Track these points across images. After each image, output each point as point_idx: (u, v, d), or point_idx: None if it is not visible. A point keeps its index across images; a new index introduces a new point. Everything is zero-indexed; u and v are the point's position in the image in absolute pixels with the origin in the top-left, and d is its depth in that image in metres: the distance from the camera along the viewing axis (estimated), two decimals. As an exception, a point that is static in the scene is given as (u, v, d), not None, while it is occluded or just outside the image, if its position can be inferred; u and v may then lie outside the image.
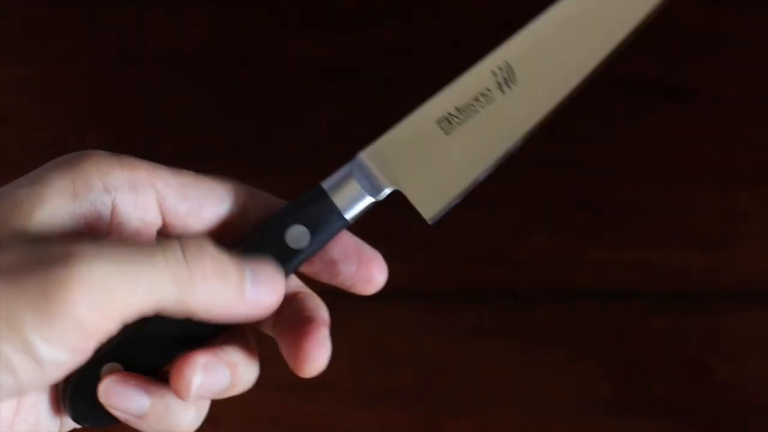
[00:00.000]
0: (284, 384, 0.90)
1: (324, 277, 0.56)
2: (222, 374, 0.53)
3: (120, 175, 0.53)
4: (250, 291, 0.51)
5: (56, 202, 0.51)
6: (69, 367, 0.50)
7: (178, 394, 0.52)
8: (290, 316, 0.54)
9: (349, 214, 0.55)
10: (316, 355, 0.54)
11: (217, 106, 1.02)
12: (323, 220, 0.54)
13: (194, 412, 0.54)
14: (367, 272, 0.54)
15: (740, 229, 0.97)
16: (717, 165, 0.99)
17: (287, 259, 0.54)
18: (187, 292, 0.49)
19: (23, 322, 0.47)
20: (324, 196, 0.54)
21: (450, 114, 0.54)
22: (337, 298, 0.93)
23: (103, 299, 0.48)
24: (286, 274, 0.54)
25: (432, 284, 0.94)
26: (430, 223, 0.55)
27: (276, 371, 0.91)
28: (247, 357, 0.54)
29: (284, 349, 0.55)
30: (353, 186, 0.54)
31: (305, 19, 1.06)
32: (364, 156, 0.55)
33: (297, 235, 0.54)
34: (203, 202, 0.55)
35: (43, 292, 0.47)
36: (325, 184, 0.55)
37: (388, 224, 0.97)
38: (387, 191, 0.55)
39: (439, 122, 0.54)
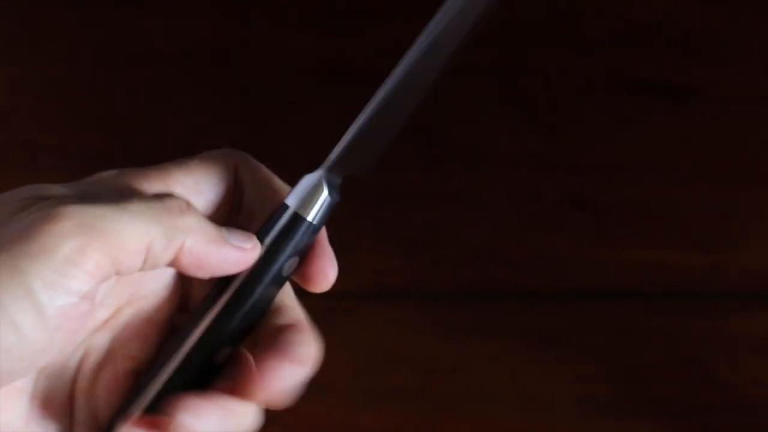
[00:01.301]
0: (284, 384, 0.90)
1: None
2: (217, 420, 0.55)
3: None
4: (228, 235, 0.54)
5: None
6: (72, 316, 0.50)
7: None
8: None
9: (322, 223, 0.57)
10: (326, 270, 0.57)
11: (217, 106, 1.02)
12: (306, 242, 0.57)
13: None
14: (320, 267, 0.57)
15: (740, 229, 0.97)
16: (717, 165, 0.99)
17: (280, 286, 0.57)
18: (172, 231, 0.51)
19: (20, 268, 0.48)
20: (302, 221, 0.56)
21: (387, 105, 0.60)
22: (337, 298, 0.93)
23: (93, 232, 0.49)
24: (275, 295, 0.57)
25: (432, 284, 0.94)
26: (366, 175, 0.58)
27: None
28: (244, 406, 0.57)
29: (299, 279, 0.57)
30: (324, 197, 0.57)
31: (305, 19, 1.06)
32: (327, 171, 0.58)
33: (290, 265, 0.56)
34: (214, 188, 0.57)
35: (31, 228, 0.49)
36: (296, 205, 0.57)
37: (389, 224, 0.97)
38: (338, 183, 0.58)
39: (382, 116, 0.59)
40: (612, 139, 1.00)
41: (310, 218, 0.57)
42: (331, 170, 0.58)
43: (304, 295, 0.95)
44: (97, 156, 1.00)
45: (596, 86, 1.03)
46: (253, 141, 1.00)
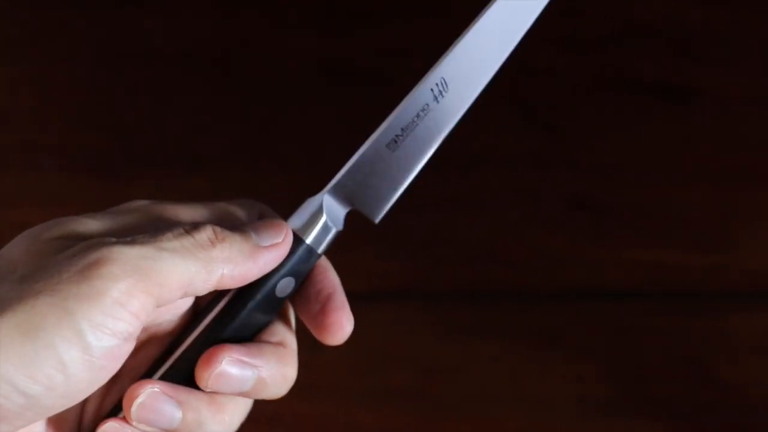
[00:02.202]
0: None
1: (297, 312, 0.59)
2: (247, 372, 0.55)
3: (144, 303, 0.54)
4: (259, 239, 0.55)
5: None
6: (116, 358, 0.51)
7: (199, 381, 0.54)
8: (309, 292, 0.58)
9: (323, 250, 0.58)
10: (342, 323, 0.58)
11: (217, 106, 1.02)
12: (305, 265, 0.57)
13: (227, 419, 0.56)
14: (337, 319, 0.58)
15: (740, 229, 0.97)
16: (717, 165, 0.99)
17: (276, 306, 0.58)
18: (209, 263, 0.53)
19: (69, 310, 0.50)
20: (301, 243, 0.57)
21: (397, 135, 0.59)
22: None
23: (139, 275, 0.51)
24: (272, 316, 0.58)
25: (432, 284, 0.94)
26: (377, 223, 0.59)
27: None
28: (278, 360, 0.57)
29: (309, 323, 0.58)
30: (324, 224, 0.58)
31: (305, 19, 1.06)
32: (329, 194, 0.58)
33: (284, 284, 0.57)
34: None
35: (83, 274, 0.50)
36: (296, 227, 0.58)
37: (389, 225, 0.97)
38: (345, 216, 0.59)
39: (388, 145, 0.59)
40: (612, 139, 1.00)
41: (308, 240, 0.57)
42: (335, 196, 0.58)
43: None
44: (96, 156, 1.00)
45: (596, 86, 1.03)
46: (253, 141, 1.01)
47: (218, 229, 0.55)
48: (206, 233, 0.54)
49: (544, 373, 0.91)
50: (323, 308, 0.57)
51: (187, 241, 0.53)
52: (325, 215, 0.58)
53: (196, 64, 1.04)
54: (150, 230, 0.54)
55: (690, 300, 0.94)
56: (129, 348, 0.52)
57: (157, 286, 0.52)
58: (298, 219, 0.58)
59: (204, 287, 0.54)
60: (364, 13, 1.06)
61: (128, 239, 0.53)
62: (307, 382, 0.91)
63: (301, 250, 0.57)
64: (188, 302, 0.57)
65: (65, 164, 1.00)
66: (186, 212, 0.57)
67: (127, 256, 0.51)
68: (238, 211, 0.58)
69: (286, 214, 0.60)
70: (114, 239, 0.52)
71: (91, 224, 0.54)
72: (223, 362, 0.54)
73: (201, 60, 1.04)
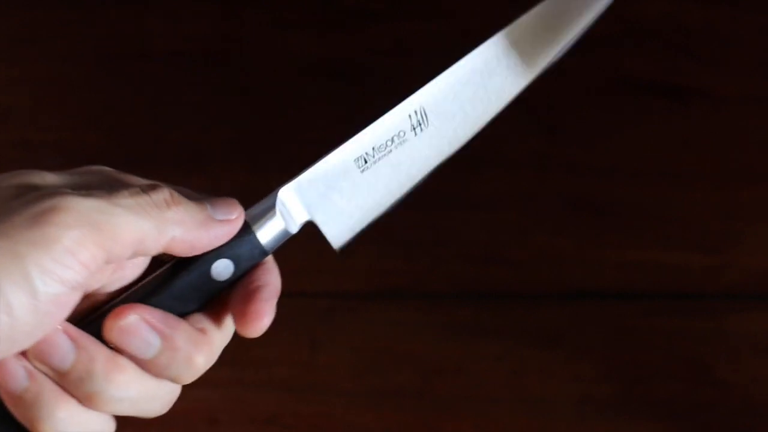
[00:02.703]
0: (284, 384, 0.91)
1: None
2: (152, 336, 0.55)
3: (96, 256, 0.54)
4: (213, 211, 0.56)
5: None
6: (62, 305, 0.52)
7: (104, 331, 0.54)
8: (244, 282, 0.58)
9: (269, 246, 0.58)
10: (262, 314, 0.56)
11: (217, 106, 1.02)
12: (247, 253, 0.57)
13: (121, 380, 0.55)
14: (257, 309, 0.57)
15: (740, 229, 0.97)
16: (717, 165, 0.99)
17: (210, 289, 0.57)
18: (162, 224, 0.54)
19: (20, 253, 0.50)
20: (248, 230, 0.57)
21: (367, 153, 0.59)
22: (337, 298, 0.94)
23: (91, 227, 0.52)
24: (207, 301, 0.57)
25: (432, 284, 0.94)
26: (337, 252, 0.59)
27: (276, 372, 0.91)
28: (190, 340, 0.56)
29: (233, 310, 0.57)
30: (276, 220, 0.58)
31: (305, 18, 1.06)
32: (285, 191, 0.58)
33: (221, 268, 0.57)
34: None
35: (36, 219, 0.51)
36: (248, 217, 0.58)
37: (389, 225, 0.97)
38: (302, 223, 0.59)
39: (356, 161, 0.59)
40: (612, 139, 1.00)
41: (255, 230, 0.57)
42: (294, 195, 0.58)
43: (304, 295, 0.95)
44: (96, 155, 1.00)
45: (596, 86, 1.03)
46: (253, 141, 1.01)
47: (175, 192, 0.55)
48: (162, 194, 0.54)
49: (545, 373, 0.91)
50: (250, 296, 0.56)
51: (142, 200, 0.54)
52: (278, 211, 0.58)
53: (196, 64, 1.04)
54: (108, 189, 0.55)
55: (690, 300, 0.94)
56: (76, 297, 0.52)
57: (109, 239, 0.52)
58: (251, 209, 0.58)
59: (154, 246, 0.54)
60: (364, 13, 1.06)
61: (84, 192, 0.53)
62: (307, 382, 0.92)
63: (245, 236, 0.57)
64: (146, 260, 0.57)
65: (65, 164, 0.99)
66: (146, 181, 0.57)
67: (81, 206, 0.52)
68: (199, 197, 0.58)
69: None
70: (70, 190, 0.53)
71: (49, 178, 0.55)
72: (131, 317, 0.54)
73: (201, 60, 1.04)
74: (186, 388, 0.93)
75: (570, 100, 1.02)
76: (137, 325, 0.54)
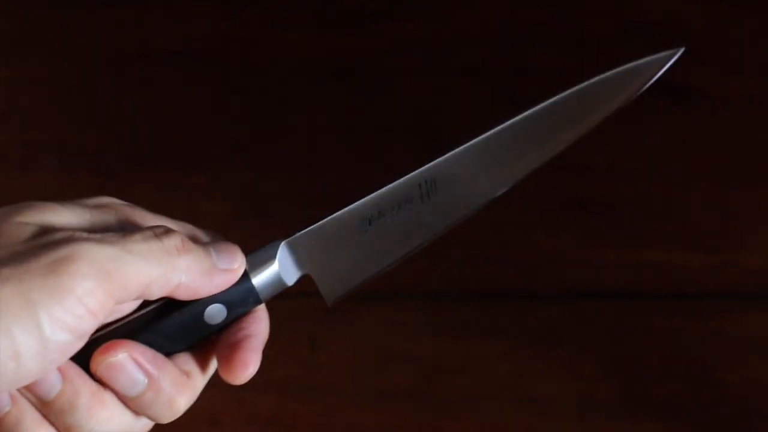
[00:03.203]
0: (284, 385, 0.90)
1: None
2: (139, 376, 0.56)
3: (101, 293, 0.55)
4: (218, 260, 0.56)
5: None
6: (67, 353, 0.52)
7: (92, 364, 0.55)
8: (233, 328, 0.58)
9: (264, 295, 0.58)
10: (248, 364, 0.57)
11: (217, 106, 1.02)
12: (241, 300, 0.58)
13: (103, 416, 0.55)
14: (243, 358, 0.58)
15: (740, 229, 0.97)
16: (717, 165, 0.99)
17: (201, 332, 0.58)
18: (169, 270, 0.54)
19: (33, 301, 0.51)
20: (246, 278, 0.58)
21: (372, 216, 0.59)
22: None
23: (104, 275, 0.52)
24: (196, 343, 0.58)
25: (432, 284, 0.94)
26: (330, 306, 0.60)
27: (276, 372, 0.91)
28: (175, 383, 0.57)
29: (218, 353, 0.58)
30: (274, 270, 0.58)
31: (305, 18, 1.06)
32: (287, 244, 0.59)
33: (215, 312, 0.57)
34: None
35: (51, 268, 0.51)
36: (247, 264, 0.58)
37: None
38: (299, 276, 0.59)
39: (360, 222, 0.59)
40: (612, 139, 1.00)
41: (253, 280, 0.58)
42: (293, 251, 0.59)
43: (304, 295, 0.95)
44: (96, 155, 1.00)
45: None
46: (253, 141, 1.01)
47: (185, 238, 0.55)
48: (174, 240, 0.55)
49: (545, 373, 0.91)
50: (237, 344, 0.57)
51: (155, 245, 0.54)
52: (278, 265, 0.58)
53: (196, 64, 1.04)
54: (119, 229, 0.55)
55: (691, 300, 0.94)
56: (81, 345, 0.53)
57: (119, 288, 0.53)
58: (252, 258, 0.58)
59: (159, 292, 0.55)
60: (364, 13, 1.06)
61: (98, 236, 0.53)
62: (307, 382, 0.92)
63: (242, 284, 0.57)
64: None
65: (65, 164, 1.00)
66: (155, 220, 0.57)
67: (95, 255, 0.52)
68: (201, 234, 0.59)
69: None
70: (85, 235, 0.53)
71: (65, 216, 0.55)
72: (121, 355, 0.55)
73: (201, 60, 1.04)
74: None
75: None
76: (125, 363, 0.55)
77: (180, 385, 0.56)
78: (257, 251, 0.58)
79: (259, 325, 0.58)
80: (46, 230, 0.53)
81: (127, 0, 1.06)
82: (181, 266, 0.54)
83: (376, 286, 0.94)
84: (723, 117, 1.01)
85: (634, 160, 0.99)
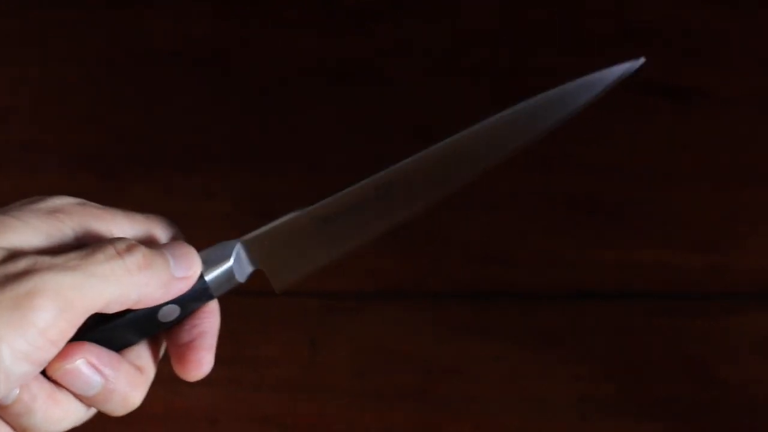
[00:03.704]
0: (283, 384, 0.90)
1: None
2: (96, 378, 0.57)
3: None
4: (175, 269, 0.57)
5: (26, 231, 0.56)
6: (28, 378, 0.54)
7: (49, 369, 0.56)
8: (185, 324, 0.59)
9: (217, 293, 0.59)
10: (203, 363, 0.59)
11: (217, 106, 1.02)
12: (194, 298, 0.58)
13: (57, 415, 0.57)
14: (198, 357, 0.59)
15: (740, 229, 0.97)
16: (717, 165, 0.99)
17: (154, 329, 0.58)
18: (129, 288, 0.55)
19: None
20: (200, 279, 0.58)
21: (328, 216, 0.61)
22: (337, 298, 0.93)
23: (66, 305, 0.53)
24: (146, 336, 0.59)
25: (432, 284, 0.94)
26: (278, 293, 0.61)
27: (276, 372, 0.91)
28: (129, 382, 0.58)
29: (173, 351, 0.59)
30: (228, 269, 0.59)
31: (305, 18, 1.06)
32: (242, 244, 0.60)
33: (168, 311, 0.58)
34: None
35: (15, 302, 0.52)
36: (202, 262, 0.59)
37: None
38: (250, 272, 0.60)
39: (317, 222, 0.61)
40: (612, 139, 1.00)
41: (208, 279, 0.58)
42: (248, 250, 0.60)
43: (304, 295, 0.95)
44: (96, 155, 1.00)
45: (596, 86, 1.03)
46: (253, 141, 1.01)
47: (147, 252, 0.56)
48: (135, 257, 0.55)
49: (545, 373, 0.91)
50: (192, 343, 0.58)
51: (117, 266, 0.55)
52: (233, 264, 0.59)
53: (196, 64, 1.04)
54: (76, 241, 0.56)
55: (690, 300, 0.94)
56: (39, 369, 0.54)
57: (81, 314, 0.54)
58: (207, 256, 0.59)
59: (116, 308, 0.55)
60: (364, 13, 1.06)
61: (60, 261, 0.54)
62: (307, 382, 0.91)
63: (197, 286, 0.58)
64: None
65: (65, 164, 1.00)
66: (113, 223, 0.58)
67: (59, 286, 0.53)
68: (158, 230, 0.59)
69: (285, 213, 0.61)
70: (47, 262, 0.54)
71: (22, 232, 0.56)
72: (78, 361, 0.55)
73: (201, 60, 1.04)
74: (186, 388, 0.93)
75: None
76: (82, 367, 0.56)
77: (134, 381, 0.57)
78: (212, 249, 0.59)
79: (211, 320, 0.59)
80: (7, 257, 0.54)
81: (127, 0, 1.06)
82: (141, 282, 0.55)
83: (376, 286, 0.94)
84: (723, 117, 1.01)
85: (634, 160, 0.99)
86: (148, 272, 0.55)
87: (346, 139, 1.00)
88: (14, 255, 0.54)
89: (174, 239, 0.60)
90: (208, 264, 0.58)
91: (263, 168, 0.99)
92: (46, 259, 0.54)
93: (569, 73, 1.04)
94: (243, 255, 0.59)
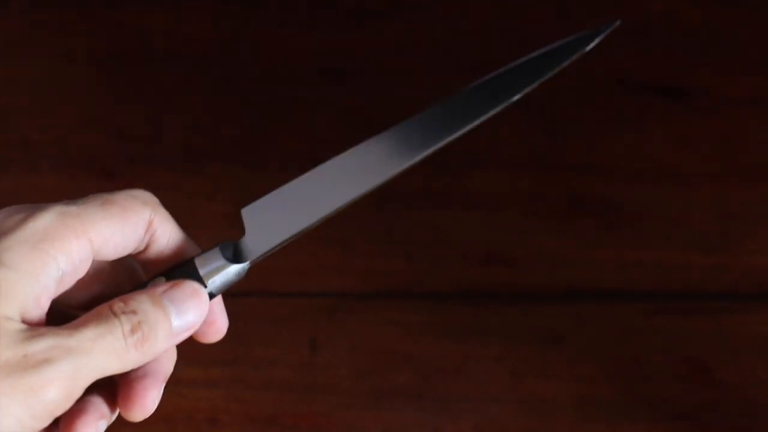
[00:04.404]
0: (284, 384, 0.90)
1: None
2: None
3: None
4: (177, 323, 0.58)
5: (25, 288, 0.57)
6: None
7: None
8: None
9: (217, 291, 0.60)
10: (145, 403, 0.60)
11: (217, 106, 1.02)
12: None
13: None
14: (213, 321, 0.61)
15: (740, 229, 0.97)
16: (717, 165, 0.99)
17: None
18: (130, 363, 0.57)
19: (8, 409, 0.54)
20: (195, 273, 0.59)
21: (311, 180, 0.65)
22: (337, 298, 0.93)
23: (75, 388, 0.55)
24: None
25: (432, 284, 0.94)
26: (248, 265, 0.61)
27: (276, 372, 0.91)
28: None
29: (120, 392, 0.60)
30: (224, 266, 0.60)
31: (305, 18, 1.06)
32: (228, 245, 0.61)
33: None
34: (129, 239, 0.60)
35: (31, 391, 0.54)
36: (199, 262, 0.60)
37: (389, 225, 0.97)
38: (246, 266, 0.61)
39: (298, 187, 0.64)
40: (612, 139, 1.00)
41: (207, 282, 0.59)
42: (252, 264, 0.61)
43: (304, 295, 0.95)
44: (96, 156, 1.00)
45: (596, 86, 1.03)
46: (253, 141, 1.00)
47: (145, 326, 0.57)
48: (133, 338, 0.56)
49: (545, 374, 0.91)
50: (137, 380, 0.59)
51: (117, 343, 0.56)
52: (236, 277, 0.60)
53: (196, 64, 1.04)
54: (66, 272, 0.57)
55: (690, 300, 0.94)
56: None
57: (83, 389, 0.55)
58: (206, 257, 0.60)
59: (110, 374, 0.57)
60: (364, 13, 1.06)
61: (75, 345, 0.55)
62: (307, 382, 0.91)
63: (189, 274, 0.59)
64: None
65: (65, 164, 0.99)
66: (93, 231, 0.58)
67: (75, 373, 0.55)
68: (134, 217, 0.60)
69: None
70: (65, 346, 0.55)
71: (19, 285, 0.56)
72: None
73: (201, 60, 1.04)
74: (187, 389, 0.93)
75: (570, 99, 1.02)
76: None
77: None
78: (224, 272, 0.60)
79: (162, 361, 0.60)
80: (29, 336, 0.55)
81: (127, 0, 1.06)
82: (138, 359, 0.57)
83: (376, 286, 0.94)
84: (723, 117, 1.01)
85: (634, 160, 0.99)
86: (147, 349, 0.57)
87: (346, 139, 1.00)
88: (34, 334, 0.55)
89: (153, 218, 0.60)
90: (210, 273, 0.59)
91: (263, 168, 0.99)
92: (63, 344, 0.55)
93: (568, 73, 1.04)
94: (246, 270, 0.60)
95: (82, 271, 0.58)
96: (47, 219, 0.57)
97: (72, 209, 0.58)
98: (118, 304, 0.56)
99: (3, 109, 1.02)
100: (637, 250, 0.96)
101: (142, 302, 0.57)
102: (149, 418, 0.59)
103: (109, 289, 0.61)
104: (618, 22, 0.63)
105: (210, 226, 0.95)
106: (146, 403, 0.59)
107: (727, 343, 0.92)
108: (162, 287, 0.58)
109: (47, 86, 1.03)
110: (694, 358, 0.92)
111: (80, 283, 0.59)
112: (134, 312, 0.56)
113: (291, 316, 0.92)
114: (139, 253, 0.60)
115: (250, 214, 0.62)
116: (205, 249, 0.61)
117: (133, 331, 0.56)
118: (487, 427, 0.89)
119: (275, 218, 0.61)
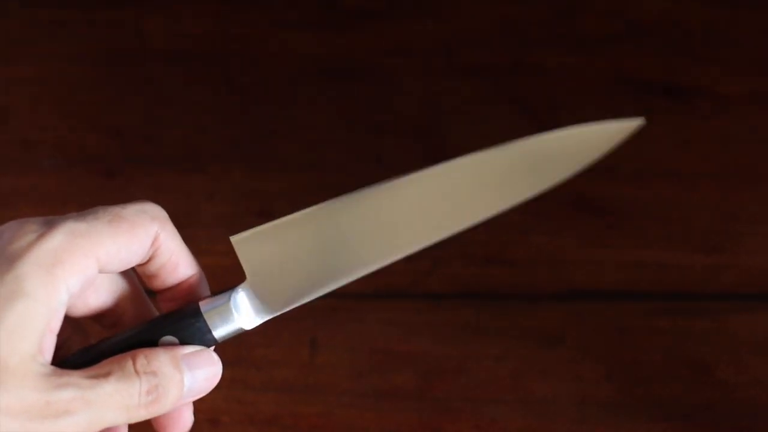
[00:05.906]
0: (284, 385, 0.90)
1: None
2: None
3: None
4: (188, 389, 0.59)
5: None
6: None
7: None
8: None
9: (222, 339, 0.61)
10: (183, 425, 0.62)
11: (216, 106, 1.02)
12: (198, 341, 0.60)
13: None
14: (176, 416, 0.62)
15: (740, 229, 0.97)
16: (717, 165, 0.99)
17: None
18: (134, 419, 0.58)
19: None
20: (199, 318, 0.60)
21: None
22: (337, 298, 0.93)
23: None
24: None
25: (432, 284, 0.94)
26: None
27: (276, 372, 0.91)
28: None
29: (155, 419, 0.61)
30: (230, 314, 0.61)
31: (305, 18, 1.06)
32: (246, 289, 0.62)
33: (167, 341, 0.60)
34: (134, 254, 0.60)
35: None
36: (204, 307, 0.60)
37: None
38: (259, 322, 0.62)
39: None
40: (612, 139, 1.00)
41: (215, 334, 0.60)
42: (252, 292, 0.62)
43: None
44: (96, 156, 1.00)
45: (596, 86, 1.03)
46: (253, 141, 1.00)
47: (161, 389, 0.58)
48: (147, 399, 0.57)
49: (545, 374, 0.91)
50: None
51: (131, 400, 0.57)
52: (232, 306, 0.61)
53: (196, 64, 1.04)
54: (77, 297, 0.57)
55: (690, 300, 0.94)
56: None
57: None
58: (212, 302, 0.60)
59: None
60: (364, 13, 1.06)
61: (95, 399, 0.56)
62: (307, 382, 0.91)
63: (203, 333, 0.60)
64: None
65: (64, 164, 0.99)
66: (101, 250, 0.58)
67: (88, 420, 0.56)
68: (142, 233, 0.60)
69: (285, 215, 0.61)
70: (83, 400, 0.56)
71: (33, 320, 0.56)
72: None
73: (201, 60, 1.04)
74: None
75: (570, 99, 1.02)
76: None
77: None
78: (237, 313, 0.60)
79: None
80: (53, 383, 0.55)
81: (127, 0, 1.06)
82: (147, 416, 0.58)
83: (376, 286, 0.94)
84: (724, 117, 1.01)
85: (635, 160, 0.99)
86: (158, 409, 0.58)
87: (346, 138, 1.00)
88: (57, 383, 0.56)
89: (159, 234, 0.60)
90: (211, 309, 0.60)
91: (263, 168, 0.99)
92: (84, 396, 0.56)
93: (569, 73, 1.04)
94: (248, 302, 0.61)
95: (86, 288, 0.58)
96: (57, 239, 0.57)
97: (81, 227, 0.57)
98: (141, 362, 0.57)
99: (3, 109, 1.02)
100: (637, 250, 0.96)
101: (164, 365, 0.58)
102: (149, 419, 0.59)
103: (104, 296, 0.61)
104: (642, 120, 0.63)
105: (210, 226, 0.95)
106: (182, 424, 0.61)
107: (727, 343, 0.92)
108: (184, 350, 0.59)
109: (47, 86, 1.03)
110: (694, 358, 0.92)
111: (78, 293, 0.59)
112: (154, 374, 0.57)
113: (291, 316, 0.92)
114: (141, 265, 0.60)
115: (246, 248, 0.61)
116: (214, 292, 0.61)
117: (149, 392, 0.57)
118: (487, 427, 0.89)
119: (285, 268, 0.62)
